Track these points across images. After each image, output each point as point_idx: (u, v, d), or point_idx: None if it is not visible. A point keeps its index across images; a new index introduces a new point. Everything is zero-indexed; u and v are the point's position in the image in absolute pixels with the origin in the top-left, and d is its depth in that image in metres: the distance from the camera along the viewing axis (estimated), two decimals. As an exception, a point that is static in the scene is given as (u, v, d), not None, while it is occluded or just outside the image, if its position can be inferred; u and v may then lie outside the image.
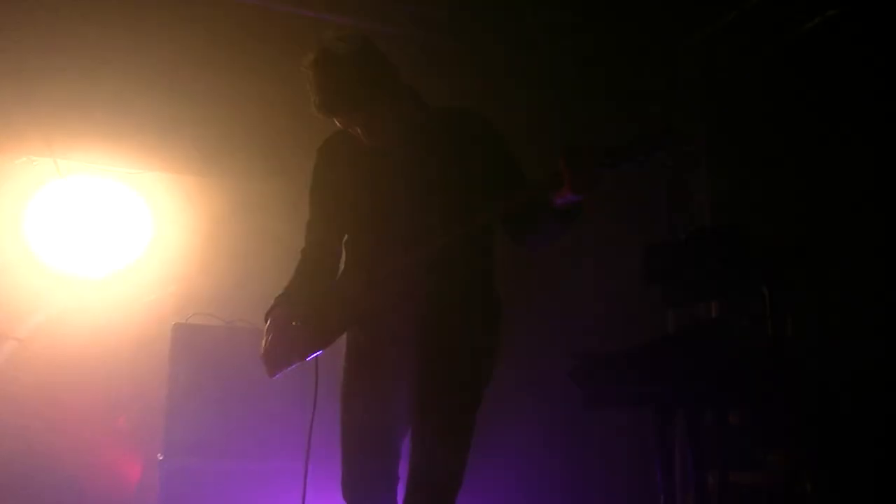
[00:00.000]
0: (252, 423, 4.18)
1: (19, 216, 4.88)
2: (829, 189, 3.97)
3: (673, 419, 3.39)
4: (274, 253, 4.46)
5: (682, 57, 4.78)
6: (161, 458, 4.07)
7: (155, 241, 5.08)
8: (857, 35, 3.88)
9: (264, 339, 2.48)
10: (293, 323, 2.44)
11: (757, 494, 3.45)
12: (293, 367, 2.45)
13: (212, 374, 4.21)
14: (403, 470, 2.39)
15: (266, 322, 2.51)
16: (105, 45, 4.47)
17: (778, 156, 4.26)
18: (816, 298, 3.76)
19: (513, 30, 4.50)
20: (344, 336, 2.54)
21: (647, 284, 3.66)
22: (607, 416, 4.39)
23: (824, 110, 4.01)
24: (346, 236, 2.59)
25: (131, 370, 4.82)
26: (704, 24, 4.53)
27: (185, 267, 4.99)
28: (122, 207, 5.07)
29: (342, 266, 2.61)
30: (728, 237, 3.49)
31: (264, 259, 4.77)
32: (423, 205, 2.40)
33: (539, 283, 4.68)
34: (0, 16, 4.27)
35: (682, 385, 3.12)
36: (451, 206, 2.36)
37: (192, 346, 4.27)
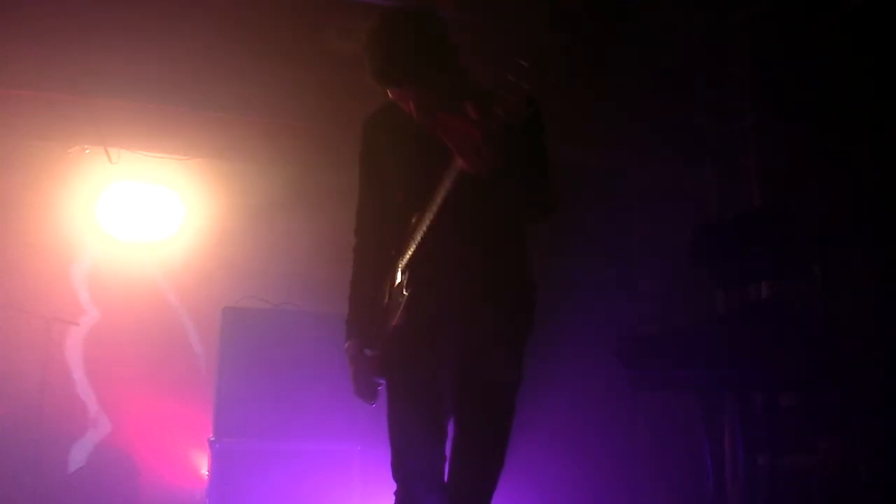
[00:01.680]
0: (301, 405, 4.22)
1: (75, 201, 4.99)
2: (881, 167, 3.87)
3: (722, 401, 3.35)
4: (325, 237, 4.50)
5: (730, 34, 4.69)
6: (212, 439, 4.14)
7: (207, 225, 5.15)
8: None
9: (350, 374, 2.57)
10: (366, 352, 2.53)
11: (808, 479, 3.39)
12: (382, 387, 2.55)
13: (261, 357, 4.26)
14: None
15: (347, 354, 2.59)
16: (153, 36, 4.53)
17: (830, 133, 4.16)
18: (872, 279, 3.68)
19: (553, 12, 4.44)
20: None
21: (696, 265, 3.61)
22: (655, 398, 4.35)
23: (877, 86, 3.90)
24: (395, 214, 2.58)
25: (182, 351, 4.92)
26: (753, 1, 4.43)
27: (236, 251, 5.05)
28: (174, 194, 5.15)
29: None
30: (779, 217, 3.42)
31: (315, 243, 4.81)
32: (461, 187, 2.38)
33: (588, 265, 4.65)
34: (54, 12, 4.34)
35: (731, 367, 3.08)
36: (491, 188, 2.34)
37: (242, 328, 4.32)
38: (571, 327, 4.21)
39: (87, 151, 4.99)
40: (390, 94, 2.38)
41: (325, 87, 4.69)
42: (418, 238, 2.34)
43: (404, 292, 2.39)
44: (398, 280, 2.46)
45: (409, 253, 2.40)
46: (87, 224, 5.01)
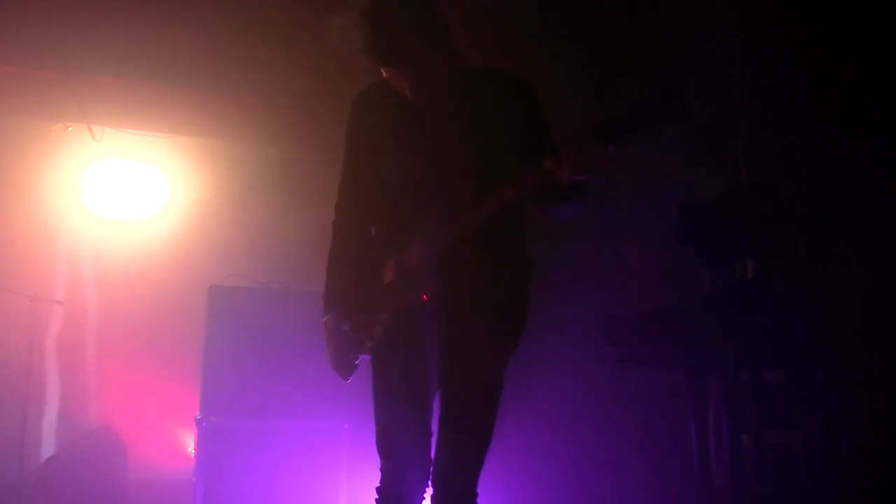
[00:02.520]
0: (288, 383, 4.23)
1: (58, 179, 4.96)
2: (870, 146, 3.88)
3: (708, 378, 3.37)
4: (312, 216, 4.48)
5: (720, 9, 4.68)
6: (199, 417, 4.14)
7: (192, 203, 5.12)
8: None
9: (328, 348, 2.53)
10: (343, 327, 2.49)
11: (792, 455, 3.43)
12: (358, 364, 2.52)
13: (247, 335, 4.25)
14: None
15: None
16: (139, 11, 4.47)
17: (819, 110, 4.17)
18: (857, 258, 3.70)
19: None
20: None
21: (682, 243, 3.62)
22: (641, 376, 4.38)
23: (870, 65, 3.91)
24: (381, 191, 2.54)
25: (168, 330, 4.91)
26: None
27: (222, 229, 5.03)
28: (159, 172, 5.12)
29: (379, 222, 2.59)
30: (766, 194, 3.43)
31: (302, 221, 4.80)
32: (458, 165, 2.38)
33: (574, 244, 4.66)
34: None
35: (717, 345, 3.10)
36: (486, 170, 2.33)
37: (229, 306, 4.31)
38: (557, 307, 4.22)
39: (70, 129, 4.95)
40: (384, 72, 2.35)
41: (316, 65, 4.66)
42: (456, 229, 2.32)
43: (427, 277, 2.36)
44: (415, 263, 2.41)
45: (416, 250, 2.37)
46: (71, 202, 4.98)
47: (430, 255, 2.36)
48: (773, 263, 3.86)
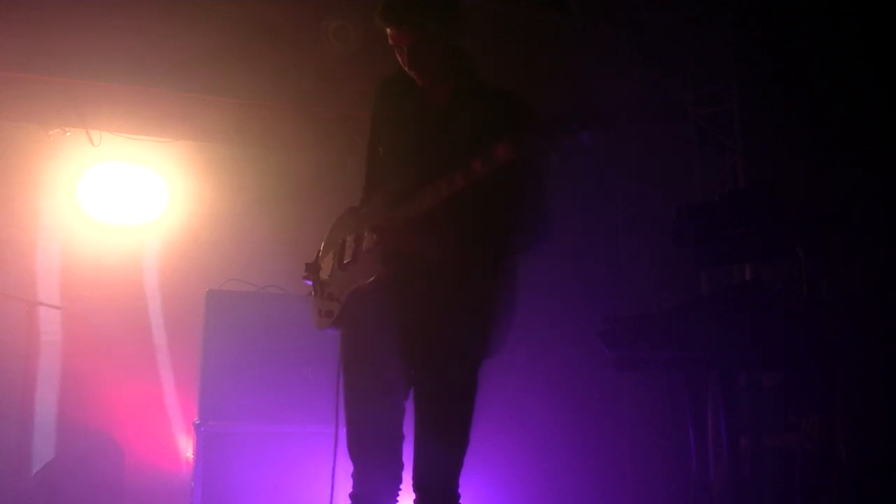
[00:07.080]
0: (286, 387, 4.23)
1: (56, 184, 4.95)
2: (865, 149, 3.88)
3: (706, 382, 3.37)
4: (310, 220, 4.47)
5: (715, 14, 4.69)
6: (197, 423, 4.14)
7: (191, 208, 5.12)
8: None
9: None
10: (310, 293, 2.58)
11: (790, 458, 3.43)
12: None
13: (245, 340, 4.26)
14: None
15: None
16: (137, 16, 4.48)
17: (814, 113, 4.18)
18: (854, 260, 3.70)
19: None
20: None
21: (679, 247, 3.62)
22: (639, 380, 4.37)
23: (861, 68, 3.91)
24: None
25: (166, 335, 4.90)
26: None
27: (220, 233, 5.03)
28: (158, 177, 5.11)
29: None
30: (763, 198, 3.43)
31: (300, 226, 4.79)
32: (435, 173, 2.38)
33: (572, 246, 4.66)
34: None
35: (715, 348, 3.09)
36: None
37: (227, 311, 4.31)
38: (554, 309, 4.22)
39: (69, 134, 4.94)
40: (389, 36, 2.38)
41: (316, 68, 4.66)
42: (413, 210, 2.34)
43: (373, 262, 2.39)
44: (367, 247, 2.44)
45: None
46: (69, 207, 4.97)
47: (381, 242, 2.39)
48: (771, 266, 3.86)
